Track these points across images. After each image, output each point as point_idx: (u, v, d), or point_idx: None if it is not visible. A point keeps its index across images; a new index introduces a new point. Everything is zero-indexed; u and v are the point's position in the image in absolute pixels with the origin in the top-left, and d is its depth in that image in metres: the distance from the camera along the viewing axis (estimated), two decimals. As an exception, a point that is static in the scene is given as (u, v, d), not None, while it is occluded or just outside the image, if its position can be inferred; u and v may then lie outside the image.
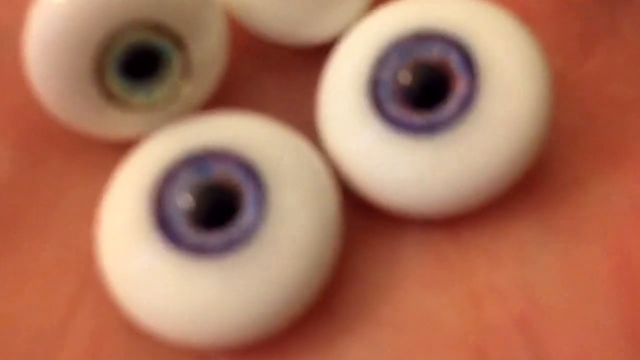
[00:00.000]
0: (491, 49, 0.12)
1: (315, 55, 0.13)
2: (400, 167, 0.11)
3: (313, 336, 0.11)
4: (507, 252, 0.12)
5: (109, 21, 0.12)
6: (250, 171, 0.11)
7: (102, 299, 0.12)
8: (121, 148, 0.12)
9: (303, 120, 0.13)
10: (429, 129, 0.11)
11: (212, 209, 0.11)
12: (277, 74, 0.14)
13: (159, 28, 0.12)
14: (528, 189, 0.12)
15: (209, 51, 0.12)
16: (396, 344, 0.11)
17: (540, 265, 0.12)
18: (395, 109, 0.11)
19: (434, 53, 0.12)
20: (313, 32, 0.13)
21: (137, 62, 0.12)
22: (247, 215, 0.11)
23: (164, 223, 0.11)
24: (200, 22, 0.12)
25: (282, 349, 0.11)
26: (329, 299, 0.12)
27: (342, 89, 0.12)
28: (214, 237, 0.11)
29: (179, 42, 0.12)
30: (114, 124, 0.12)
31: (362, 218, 0.12)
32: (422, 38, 0.12)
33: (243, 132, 0.12)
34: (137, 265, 0.11)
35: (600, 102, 0.13)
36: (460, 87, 0.11)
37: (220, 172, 0.11)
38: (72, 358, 0.12)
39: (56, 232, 0.13)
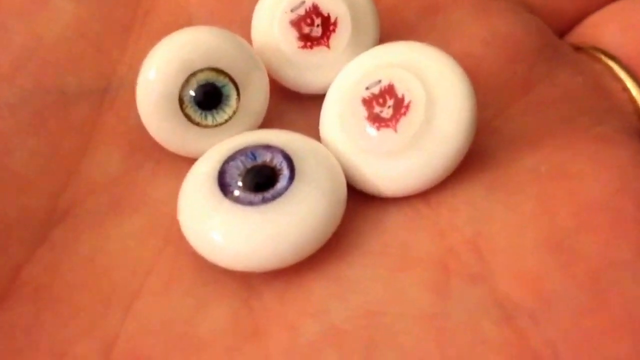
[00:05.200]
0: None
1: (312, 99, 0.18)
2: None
3: (322, 263, 0.16)
4: (461, 202, 0.16)
5: (185, 72, 0.17)
6: (286, 157, 0.16)
7: (179, 250, 0.16)
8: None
9: None
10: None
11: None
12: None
13: (219, 71, 0.17)
14: (472, 167, 0.17)
15: (256, 87, 0.18)
16: (383, 265, 0.16)
17: (487, 211, 0.16)
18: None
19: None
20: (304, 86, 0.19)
21: (207, 97, 0.17)
22: (280, 183, 0.16)
23: (224, 187, 0.16)
24: (249, 68, 0.18)
25: (300, 273, 0.16)
26: (335, 242, 0.16)
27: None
28: (257, 195, 0.16)
29: (233, 81, 0.17)
30: (192, 140, 0.18)
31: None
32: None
33: (280, 135, 0.17)
34: (206, 214, 0.16)
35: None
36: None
37: (267, 158, 0.16)
38: (155, 285, 0.16)
39: (148, 211, 0.17)
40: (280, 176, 0.16)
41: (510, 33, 0.20)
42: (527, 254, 0.16)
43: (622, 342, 0.15)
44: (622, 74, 0.20)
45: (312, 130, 0.18)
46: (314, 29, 0.18)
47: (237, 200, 0.16)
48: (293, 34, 0.18)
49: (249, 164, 0.16)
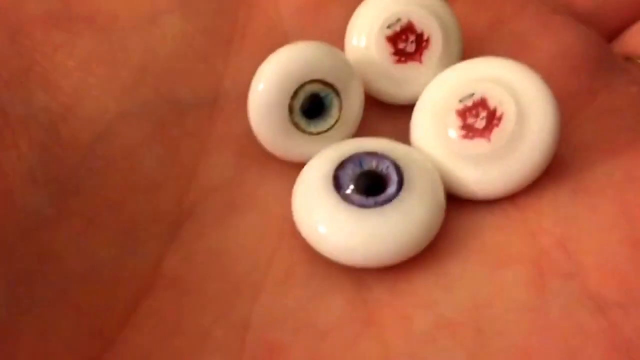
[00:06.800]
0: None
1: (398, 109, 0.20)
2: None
3: (426, 261, 0.18)
4: (547, 205, 0.18)
5: (293, 83, 0.19)
6: (394, 165, 0.18)
7: (293, 247, 0.18)
8: (298, 166, 0.19)
9: None
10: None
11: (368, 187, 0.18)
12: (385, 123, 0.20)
13: (324, 83, 0.19)
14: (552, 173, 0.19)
15: (354, 98, 0.19)
16: (483, 262, 0.18)
17: (572, 214, 0.18)
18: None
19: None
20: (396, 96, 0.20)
21: (313, 107, 0.19)
22: (390, 189, 0.18)
23: (339, 189, 0.18)
24: (349, 80, 0.19)
25: (407, 270, 0.18)
26: (437, 241, 0.18)
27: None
28: (370, 199, 0.18)
29: (336, 92, 0.19)
30: (296, 145, 0.19)
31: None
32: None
33: (383, 143, 0.19)
34: (324, 214, 0.18)
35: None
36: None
37: (373, 164, 0.18)
38: (273, 282, 0.18)
39: (260, 210, 0.19)
40: (389, 182, 0.18)
41: (573, 45, 0.21)
42: (613, 252, 0.17)
43: None
44: None
45: (401, 138, 0.20)
46: (408, 45, 0.20)
47: (352, 202, 0.18)
48: (388, 49, 0.20)
49: (358, 170, 0.18)
